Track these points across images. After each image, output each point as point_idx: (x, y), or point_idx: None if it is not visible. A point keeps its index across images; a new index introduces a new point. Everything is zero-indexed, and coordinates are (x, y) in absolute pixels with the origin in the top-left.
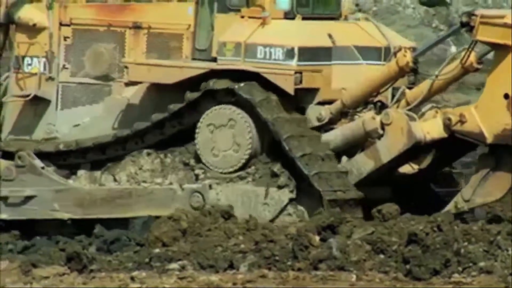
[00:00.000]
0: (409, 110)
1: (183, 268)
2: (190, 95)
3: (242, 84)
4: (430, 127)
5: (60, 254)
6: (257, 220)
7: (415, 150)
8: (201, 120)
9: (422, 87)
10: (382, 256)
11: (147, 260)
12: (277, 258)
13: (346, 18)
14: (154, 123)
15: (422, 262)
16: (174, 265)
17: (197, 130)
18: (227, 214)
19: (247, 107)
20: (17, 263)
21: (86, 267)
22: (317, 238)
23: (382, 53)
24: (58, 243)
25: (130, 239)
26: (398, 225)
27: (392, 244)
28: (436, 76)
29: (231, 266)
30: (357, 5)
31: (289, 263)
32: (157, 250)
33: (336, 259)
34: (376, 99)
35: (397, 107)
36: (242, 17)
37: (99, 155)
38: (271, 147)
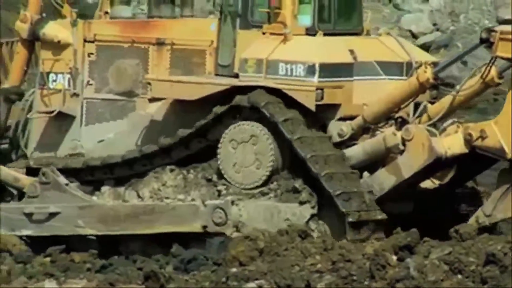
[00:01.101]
0: (431, 125)
1: (260, 287)
2: (217, 109)
3: (266, 102)
4: (451, 143)
5: (137, 273)
6: (334, 240)
7: (436, 166)
8: (223, 135)
9: (444, 102)
10: (459, 276)
11: (224, 279)
12: (354, 278)
13: (368, 34)
14: (180, 138)
15: (500, 283)
16: (251, 285)
17: (219, 146)
18: (304, 234)
19: (271, 124)
20: (95, 282)
21: (163, 286)
22: (394, 258)
23: (404, 68)
24: (135, 262)
25: (207, 258)
26: (476, 245)
27: (470, 265)
28: (457, 91)
29: (308, 286)
30: (434, 24)
31: (366, 282)
32: (234, 270)
33: (414, 279)
34: (397, 115)
35: (419, 122)
36: (264, 33)
37: (124, 171)
38: (292, 163)
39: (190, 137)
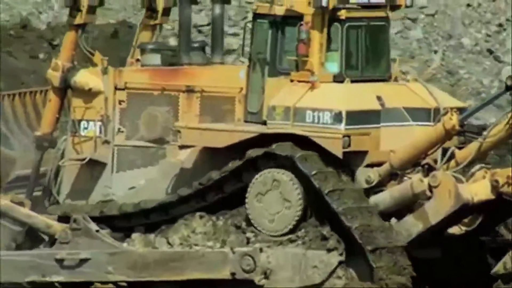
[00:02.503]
0: (459, 170)
1: None
2: (249, 154)
3: (296, 152)
4: (478, 189)
5: None
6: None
7: (463, 212)
8: (252, 182)
9: (471, 148)
10: None
11: None
12: None
13: (396, 80)
14: (214, 181)
15: None
16: None
17: (248, 192)
18: None
19: (300, 173)
20: None
21: None
22: None
23: (431, 114)
24: None
25: None
26: None
27: None
28: (484, 138)
29: None
30: None
31: None
32: None
33: None
34: (424, 161)
35: (447, 167)
36: (292, 81)
37: (155, 217)
38: (320, 210)
39: (223, 180)
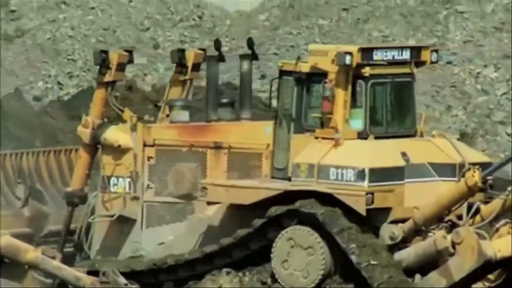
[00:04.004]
0: (483, 226)
1: None
2: (273, 211)
3: (321, 209)
4: (501, 245)
5: None
6: None
7: (486, 268)
8: (277, 238)
9: (496, 203)
10: None
11: None
12: None
13: (421, 135)
14: (239, 239)
15: None
16: None
17: (273, 249)
18: None
19: (325, 232)
20: None
21: None
22: None
23: (457, 170)
24: None
25: None
26: None
27: None
28: (507, 194)
29: None
30: None
31: None
32: None
33: None
34: (447, 218)
35: (472, 223)
36: (317, 138)
37: (182, 274)
38: (345, 267)
39: (248, 237)
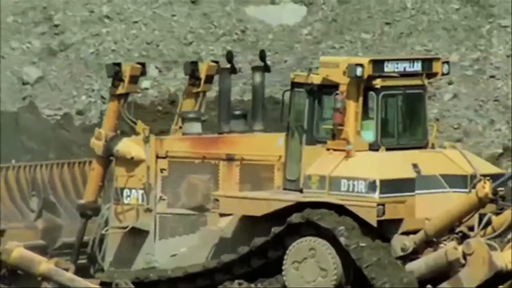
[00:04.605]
0: (497, 236)
1: None
2: (293, 219)
3: (333, 221)
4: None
5: None
6: None
7: (497, 279)
8: (289, 249)
9: (507, 214)
10: None
11: None
12: None
13: (433, 147)
14: (256, 247)
15: None
16: None
17: (285, 259)
18: None
19: (336, 243)
20: None
21: None
22: None
23: (468, 181)
24: None
25: None
26: None
27: None
28: None
29: None
30: None
31: None
32: None
33: None
34: (458, 229)
35: (484, 234)
36: (328, 149)
37: (195, 284)
38: (357, 278)
39: (266, 245)
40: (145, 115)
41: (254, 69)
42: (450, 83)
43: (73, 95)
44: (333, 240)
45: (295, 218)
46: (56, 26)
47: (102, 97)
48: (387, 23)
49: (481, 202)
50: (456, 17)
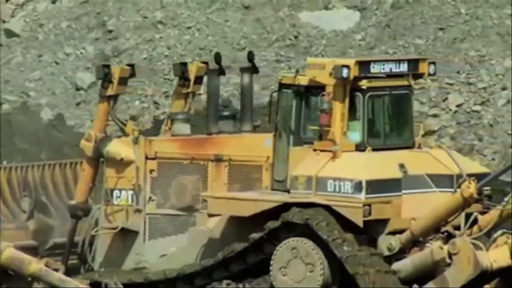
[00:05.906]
0: (481, 236)
1: None
2: (270, 225)
3: (317, 220)
4: (497, 255)
5: None
6: None
7: (482, 278)
8: (275, 251)
9: (493, 214)
10: None
11: None
12: None
13: (419, 147)
14: (236, 253)
15: None
16: None
17: (272, 261)
18: None
19: (322, 242)
20: None
21: None
22: None
23: (454, 181)
24: None
25: None
26: None
27: None
28: (503, 205)
29: None
30: None
31: None
32: None
33: None
34: (444, 229)
35: (470, 233)
36: (315, 150)
37: (181, 286)
38: (343, 280)
39: (245, 252)
40: (198, 120)
41: (242, 70)
42: (504, 88)
43: (126, 101)
44: (313, 236)
45: (271, 224)
46: (110, 31)
47: (155, 102)
48: (440, 29)
49: (466, 202)
50: (510, 22)
